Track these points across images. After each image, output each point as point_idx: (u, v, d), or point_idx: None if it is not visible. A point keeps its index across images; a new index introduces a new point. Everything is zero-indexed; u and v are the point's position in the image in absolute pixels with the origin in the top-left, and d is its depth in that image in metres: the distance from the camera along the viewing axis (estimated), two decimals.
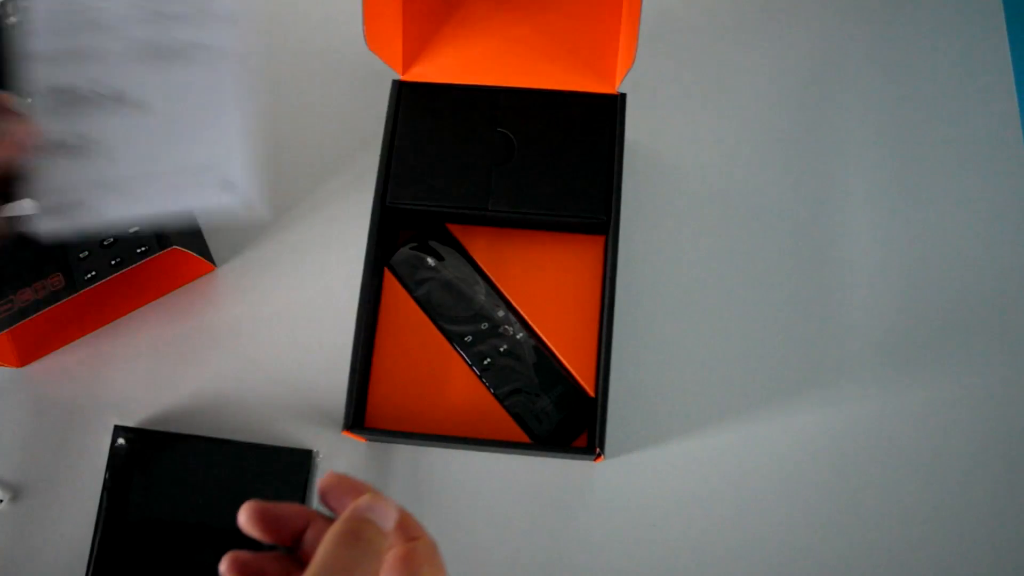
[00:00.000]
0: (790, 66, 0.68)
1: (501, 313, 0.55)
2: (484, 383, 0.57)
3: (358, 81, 0.68)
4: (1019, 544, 0.56)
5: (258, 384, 0.61)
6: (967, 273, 0.62)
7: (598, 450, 0.52)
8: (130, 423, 0.59)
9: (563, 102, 0.59)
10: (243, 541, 0.55)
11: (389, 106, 0.58)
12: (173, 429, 0.59)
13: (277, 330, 0.61)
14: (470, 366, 0.57)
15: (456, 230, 0.61)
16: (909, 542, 0.56)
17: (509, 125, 0.58)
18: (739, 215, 0.64)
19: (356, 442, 0.58)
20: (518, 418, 0.56)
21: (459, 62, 0.60)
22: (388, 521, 0.32)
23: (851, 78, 0.67)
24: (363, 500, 0.32)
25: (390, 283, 0.59)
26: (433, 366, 0.58)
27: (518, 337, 0.56)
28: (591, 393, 0.57)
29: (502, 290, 0.59)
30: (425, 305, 0.58)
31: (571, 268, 0.60)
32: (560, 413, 0.56)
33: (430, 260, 0.59)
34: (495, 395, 0.57)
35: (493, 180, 0.57)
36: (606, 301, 0.55)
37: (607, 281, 0.55)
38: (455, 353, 0.58)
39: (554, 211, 0.57)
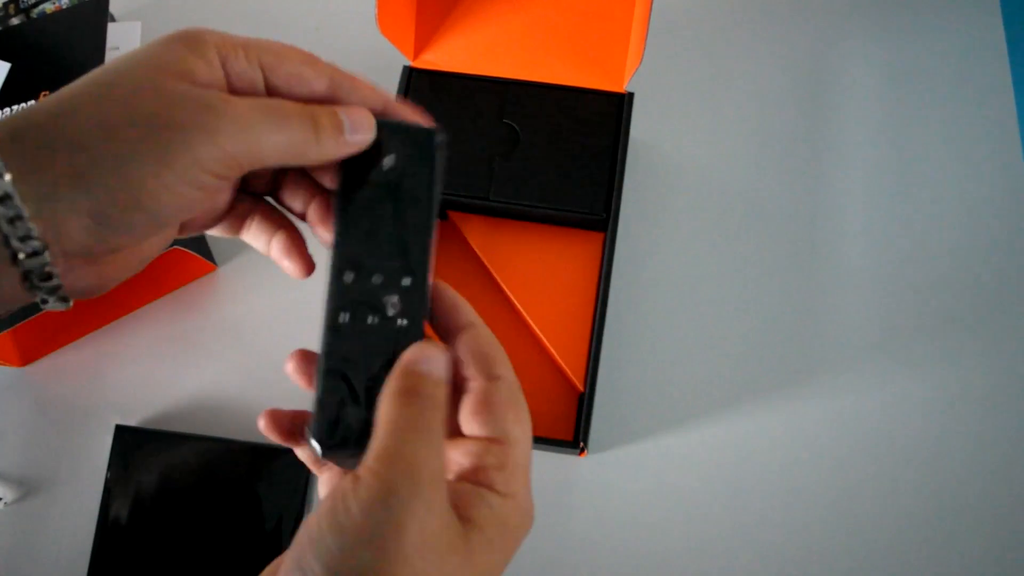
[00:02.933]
0: (790, 66, 0.68)
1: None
2: None
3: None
4: (1019, 541, 0.56)
5: (259, 384, 0.61)
6: (965, 270, 0.62)
7: (582, 444, 0.52)
8: (131, 423, 0.59)
9: (570, 98, 0.59)
10: (243, 542, 0.56)
11: (398, 92, 0.59)
12: (174, 429, 0.59)
13: (278, 330, 0.62)
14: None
15: (456, 217, 0.61)
16: (904, 540, 0.56)
17: (515, 117, 0.59)
18: (737, 213, 0.64)
19: None
20: None
21: (469, 52, 0.61)
22: (440, 368, 0.31)
23: (850, 78, 0.67)
24: (410, 353, 0.31)
25: None
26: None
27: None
28: (580, 387, 0.57)
29: (498, 279, 0.59)
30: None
31: (568, 262, 0.60)
32: None
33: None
34: None
35: (496, 170, 0.58)
36: (600, 297, 0.55)
37: (602, 278, 0.56)
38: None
39: (554, 205, 0.57)
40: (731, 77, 0.68)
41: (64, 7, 0.64)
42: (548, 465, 0.58)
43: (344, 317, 0.34)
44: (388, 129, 0.34)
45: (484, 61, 0.60)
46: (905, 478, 0.57)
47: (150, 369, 0.61)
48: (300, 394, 0.59)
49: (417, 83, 0.60)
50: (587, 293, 0.59)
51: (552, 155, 0.58)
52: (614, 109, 0.59)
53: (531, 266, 0.60)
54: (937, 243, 0.62)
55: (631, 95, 0.59)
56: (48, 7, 0.65)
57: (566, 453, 0.57)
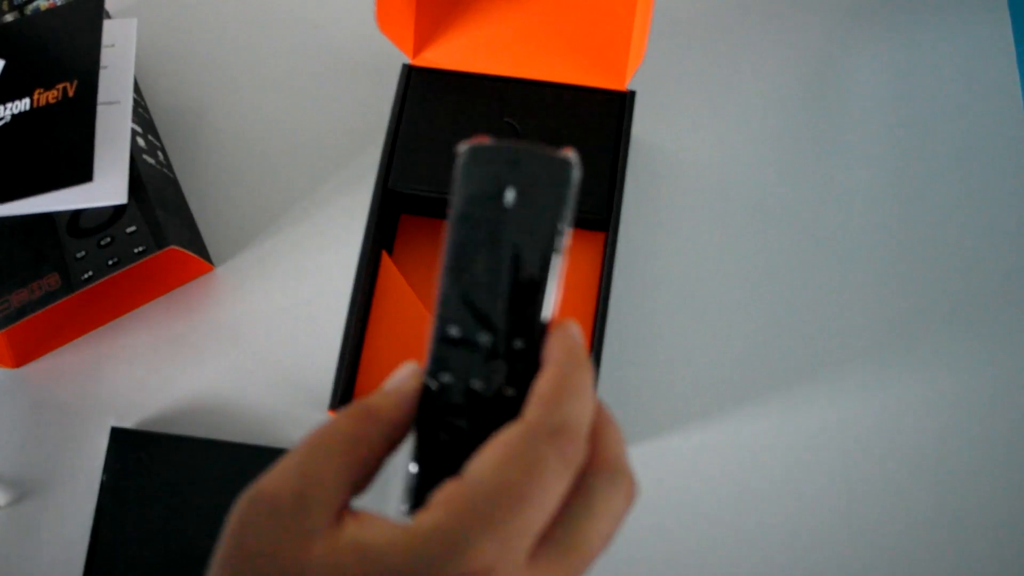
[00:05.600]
0: (794, 64, 0.68)
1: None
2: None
3: (358, 80, 0.68)
4: (1021, 540, 0.56)
5: (257, 385, 0.60)
6: (971, 271, 0.61)
7: None
8: (127, 424, 0.59)
9: (571, 96, 0.59)
10: None
11: (397, 90, 0.59)
12: (171, 430, 0.59)
13: (276, 330, 0.61)
14: None
15: None
16: (910, 539, 0.55)
17: (515, 115, 0.58)
18: (740, 213, 0.63)
19: None
20: None
21: (469, 50, 0.60)
22: (579, 450, 0.25)
23: (855, 77, 0.67)
24: (566, 322, 0.27)
25: (387, 268, 0.59)
26: (425, 352, 0.58)
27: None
28: None
29: None
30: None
31: (569, 262, 0.60)
32: None
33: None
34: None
35: None
36: (601, 297, 0.55)
37: (603, 277, 0.55)
38: None
39: None
40: (734, 75, 0.67)
41: (59, 4, 0.64)
42: None
43: (444, 378, 0.32)
44: (509, 156, 0.29)
45: (484, 59, 0.60)
46: (909, 478, 0.57)
47: (146, 370, 0.60)
48: (297, 394, 0.59)
49: (417, 81, 0.59)
50: (588, 293, 0.59)
51: None
52: (615, 107, 0.58)
53: None
54: (943, 243, 0.62)
55: (633, 93, 0.59)
56: (42, 4, 0.64)
57: None
